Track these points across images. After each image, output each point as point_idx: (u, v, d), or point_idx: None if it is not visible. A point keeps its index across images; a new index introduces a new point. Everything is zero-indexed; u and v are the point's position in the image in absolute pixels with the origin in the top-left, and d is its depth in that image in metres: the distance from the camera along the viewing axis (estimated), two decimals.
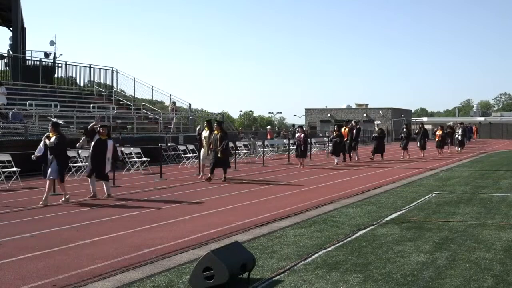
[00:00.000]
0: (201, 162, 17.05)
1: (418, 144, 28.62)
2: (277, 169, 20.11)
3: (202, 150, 16.62)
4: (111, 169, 13.24)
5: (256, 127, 64.88)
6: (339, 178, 16.94)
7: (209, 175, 15.50)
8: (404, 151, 26.64)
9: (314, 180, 16.32)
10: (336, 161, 22.38)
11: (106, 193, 12.58)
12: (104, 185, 12.69)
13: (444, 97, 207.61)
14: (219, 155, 15.40)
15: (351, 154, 24.54)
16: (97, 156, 12.49)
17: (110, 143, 12.80)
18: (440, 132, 29.94)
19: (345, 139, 23.57)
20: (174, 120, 29.74)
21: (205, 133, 16.43)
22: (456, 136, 33.05)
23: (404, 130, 28.12)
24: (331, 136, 24.17)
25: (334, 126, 25.28)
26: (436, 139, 30.13)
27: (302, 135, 20.99)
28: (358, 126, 26.39)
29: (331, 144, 24.20)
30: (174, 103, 31.69)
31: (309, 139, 24.08)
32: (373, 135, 27.45)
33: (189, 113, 33.35)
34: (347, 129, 24.26)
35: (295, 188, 14.32)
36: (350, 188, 14.15)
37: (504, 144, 43.51)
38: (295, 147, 21.71)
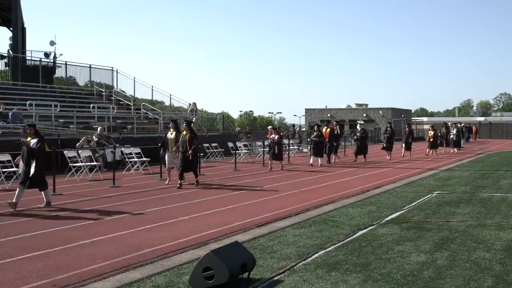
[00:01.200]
0: (167, 166, 15.36)
1: (403, 145, 27.66)
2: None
3: (167, 153, 15.15)
4: (37, 173, 10.71)
5: (252, 127, 64.84)
6: (339, 178, 16.94)
7: (179, 182, 14.29)
8: (387, 151, 25.56)
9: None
10: (320, 162, 21.37)
11: (44, 200, 10.95)
12: (42, 192, 11.02)
13: (444, 97, 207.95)
14: (187, 158, 14.20)
15: (332, 156, 23.40)
16: (24, 161, 10.81)
17: (32, 142, 10.78)
18: (432, 133, 29.25)
19: (326, 140, 22.42)
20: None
21: (171, 135, 15.08)
22: (451, 136, 32.28)
23: (388, 129, 26.77)
24: (311, 136, 22.95)
25: (314, 126, 23.79)
26: (428, 140, 29.60)
27: (276, 136, 19.78)
28: (356, 129, 25.62)
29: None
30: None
31: (284, 141, 22.96)
32: (355, 136, 26.27)
33: (189, 113, 33.33)
34: (328, 130, 23.11)
35: (291, 189, 14.31)
36: (350, 188, 14.15)
37: (504, 144, 43.48)
38: (268, 149, 20.39)
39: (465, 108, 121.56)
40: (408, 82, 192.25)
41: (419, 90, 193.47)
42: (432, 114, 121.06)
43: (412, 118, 70.41)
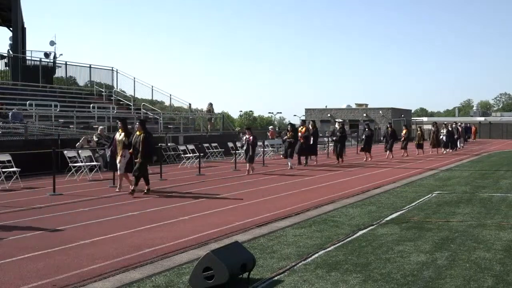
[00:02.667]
0: (119, 172, 13.54)
1: (385, 146, 27.08)
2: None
3: (117, 157, 13.43)
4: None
5: (252, 127, 64.86)
6: (339, 178, 16.94)
7: (132, 187, 12.77)
8: (366, 153, 24.75)
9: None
10: (289, 164, 20.28)
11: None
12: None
13: (444, 97, 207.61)
14: (137, 161, 12.76)
15: (310, 157, 22.41)
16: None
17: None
18: (404, 131, 28.66)
19: (301, 141, 21.30)
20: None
21: (119, 136, 13.40)
22: (441, 137, 31.46)
23: (366, 130, 25.69)
24: (284, 137, 21.45)
25: (288, 126, 22.34)
26: (416, 140, 29.12)
27: (251, 137, 18.42)
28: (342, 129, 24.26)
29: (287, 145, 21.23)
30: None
31: (259, 142, 21.57)
32: (334, 136, 24.91)
33: (189, 113, 33.35)
34: (304, 129, 21.86)
35: (291, 189, 14.30)
36: (350, 188, 14.15)
37: (504, 144, 43.49)
38: (244, 150, 18.90)
39: (465, 108, 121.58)
40: (408, 82, 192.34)
41: (419, 90, 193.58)
42: (432, 114, 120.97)
43: (412, 118, 70.43)
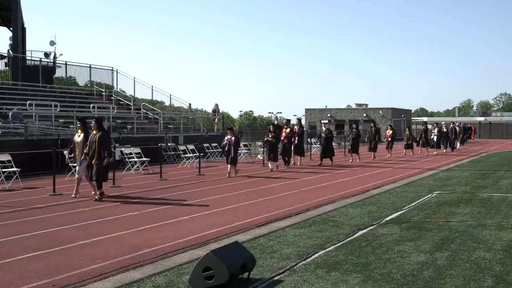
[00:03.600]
0: (76, 176, 12.68)
1: (368, 146, 26.40)
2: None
3: (77, 160, 12.55)
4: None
5: (252, 128, 64.85)
6: (339, 178, 16.94)
7: (98, 193, 12.11)
8: (353, 154, 23.99)
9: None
10: (270, 166, 19.39)
11: None
12: None
13: (444, 97, 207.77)
14: (94, 163, 11.91)
15: (294, 158, 21.63)
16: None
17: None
18: (390, 132, 28.15)
19: (285, 142, 20.37)
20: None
21: (78, 138, 12.39)
22: (432, 136, 31.02)
23: (354, 131, 24.66)
24: (265, 138, 20.37)
25: (270, 126, 21.08)
26: (386, 139, 28.47)
27: (233, 137, 17.48)
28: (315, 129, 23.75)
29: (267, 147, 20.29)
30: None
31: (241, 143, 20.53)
32: (320, 137, 23.91)
33: (189, 113, 33.37)
34: (288, 130, 20.78)
35: (291, 189, 14.30)
36: (350, 188, 14.15)
37: (504, 144, 43.50)
38: (226, 151, 17.73)
39: (465, 108, 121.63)
40: (408, 82, 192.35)
41: (419, 90, 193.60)
42: (432, 114, 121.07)
43: (412, 118, 70.45)
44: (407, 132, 29.03)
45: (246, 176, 17.34)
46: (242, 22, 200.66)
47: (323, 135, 23.10)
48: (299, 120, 23.54)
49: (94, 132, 12.08)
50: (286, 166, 20.42)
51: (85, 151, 12.07)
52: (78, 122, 12.87)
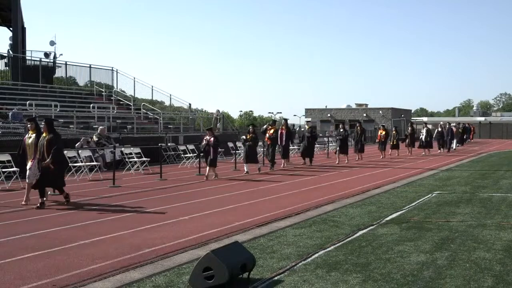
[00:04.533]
0: (27, 181, 11.32)
1: (354, 147, 25.72)
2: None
3: (28, 163, 11.39)
4: None
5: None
6: (339, 178, 16.94)
7: (40, 200, 11.01)
8: (342, 155, 23.16)
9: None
10: (245, 169, 18.19)
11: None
12: None
13: (444, 97, 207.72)
14: (46, 168, 10.90)
15: (284, 160, 20.83)
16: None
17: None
18: (383, 133, 27.26)
19: (268, 143, 19.75)
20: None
21: (29, 139, 11.35)
22: (421, 137, 30.17)
23: (341, 130, 23.70)
24: (242, 137, 19.42)
25: (249, 127, 19.86)
26: (379, 140, 27.56)
27: (212, 138, 16.60)
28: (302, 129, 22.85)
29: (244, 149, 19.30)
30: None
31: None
32: (303, 137, 22.88)
33: (189, 113, 33.37)
34: (273, 130, 20.08)
35: (291, 189, 14.31)
36: (350, 188, 14.14)
37: (504, 144, 43.50)
38: (205, 152, 16.83)
39: (465, 108, 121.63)
40: (408, 82, 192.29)
41: (419, 90, 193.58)
42: (432, 114, 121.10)
43: (412, 118, 70.47)
44: (394, 132, 28.29)
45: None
46: (242, 22, 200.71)
47: (306, 134, 22.29)
48: (286, 120, 22.43)
49: (44, 134, 11.18)
50: (270, 168, 19.49)
51: (37, 155, 11.13)
52: (28, 123, 11.93)
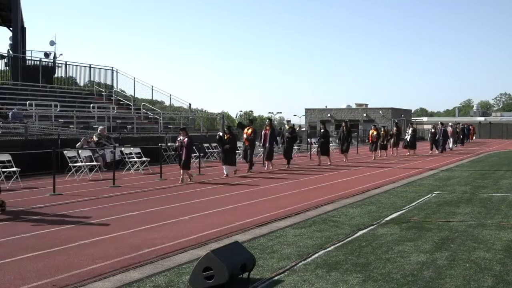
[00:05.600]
0: None
1: (340, 148, 24.89)
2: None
3: None
4: None
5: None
6: (339, 178, 16.94)
7: None
8: (323, 156, 22.10)
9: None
10: (225, 171, 17.31)
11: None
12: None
13: (444, 97, 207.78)
14: None
15: (265, 162, 19.89)
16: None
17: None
18: (375, 133, 26.35)
19: (246, 144, 18.79)
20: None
21: None
22: (406, 137, 29.38)
23: (322, 131, 22.79)
24: (217, 136, 18.46)
25: (224, 128, 18.63)
26: (370, 141, 26.90)
27: (186, 138, 15.69)
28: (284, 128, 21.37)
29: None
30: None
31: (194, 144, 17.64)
32: (282, 137, 21.86)
33: (189, 113, 33.37)
34: (251, 130, 19.01)
35: (291, 189, 14.30)
36: (350, 188, 14.14)
37: (504, 144, 43.49)
38: (178, 154, 16.23)
39: (465, 108, 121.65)
40: (408, 82, 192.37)
41: (419, 90, 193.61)
42: (432, 114, 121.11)
43: (412, 118, 70.47)
44: (382, 132, 27.34)
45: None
46: (242, 22, 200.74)
47: (286, 134, 21.06)
48: (270, 120, 21.08)
49: None
50: (248, 170, 18.59)
51: None
52: None
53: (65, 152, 16.72)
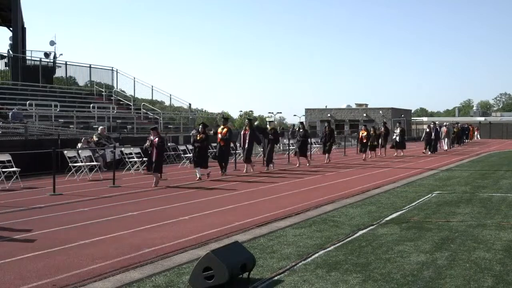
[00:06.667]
0: None
1: (323, 148, 24.09)
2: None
3: None
4: None
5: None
6: (338, 178, 16.94)
7: None
8: (300, 156, 21.16)
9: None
10: (198, 174, 16.12)
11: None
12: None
13: (444, 97, 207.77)
14: None
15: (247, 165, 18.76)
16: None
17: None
18: (365, 133, 25.57)
19: (221, 144, 17.52)
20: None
21: None
22: (394, 137, 28.62)
23: (300, 131, 21.71)
24: (192, 133, 17.38)
25: (199, 127, 17.13)
26: (360, 142, 26.17)
27: (157, 138, 14.63)
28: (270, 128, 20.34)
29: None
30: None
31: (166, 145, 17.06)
32: (264, 138, 20.68)
33: (189, 113, 33.37)
34: (225, 130, 17.71)
35: (291, 189, 14.30)
36: (350, 188, 14.14)
37: (504, 144, 43.48)
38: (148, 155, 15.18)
39: (465, 108, 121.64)
40: (408, 82, 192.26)
41: (419, 90, 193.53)
42: (432, 114, 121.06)
43: (412, 118, 70.47)
44: (372, 132, 26.61)
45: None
46: (242, 22, 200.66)
47: (270, 136, 19.94)
48: (250, 120, 19.99)
49: None
50: (222, 173, 17.45)
51: None
52: None
53: (65, 152, 16.72)
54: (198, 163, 16.23)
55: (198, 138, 16.30)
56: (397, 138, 28.36)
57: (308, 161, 21.62)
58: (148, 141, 14.98)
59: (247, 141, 18.61)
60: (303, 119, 64.41)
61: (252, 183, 15.68)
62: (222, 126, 18.07)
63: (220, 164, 17.65)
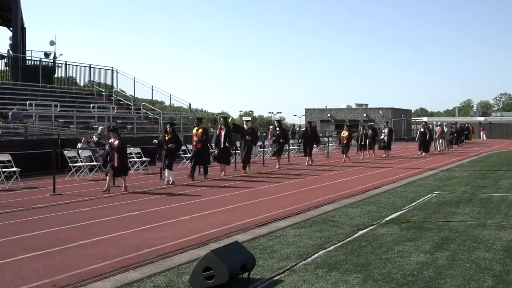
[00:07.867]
0: None
1: (304, 150, 22.42)
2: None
3: None
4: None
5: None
6: (338, 178, 16.93)
7: None
8: (277, 157, 20.77)
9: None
10: (170, 178, 15.22)
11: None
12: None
13: (444, 97, 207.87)
14: None
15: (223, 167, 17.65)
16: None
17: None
18: (346, 134, 24.79)
19: (197, 147, 16.46)
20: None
21: None
22: (382, 137, 27.66)
23: (277, 132, 20.79)
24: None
25: (167, 126, 15.96)
26: (341, 142, 25.28)
27: (117, 141, 13.49)
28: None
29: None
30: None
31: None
32: (241, 139, 19.44)
33: (189, 113, 33.37)
34: (201, 130, 16.45)
35: (291, 189, 14.30)
36: (350, 188, 14.14)
37: (504, 144, 43.46)
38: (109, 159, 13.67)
39: (465, 108, 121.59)
40: (408, 82, 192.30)
41: (419, 90, 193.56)
42: (432, 114, 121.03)
43: (412, 118, 70.45)
44: (361, 131, 26.10)
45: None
46: (242, 22, 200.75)
47: (248, 138, 18.91)
48: (225, 118, 18.95)
49: None
50: (204, 177, 16.59)
51: None
52: None
53: (65, 152, 16.72)
54: (168, 166, 15.26)
55: (167, 138, 15.32)
56: (385, 138, 27.32)
57: (278, 162, 20.71)
58: (107, 145, 13.95)
59: (221, 140, 17.50)
60: (303, 119, 64.48)
61: (252, 182, 15.67)
62: (196, 127, 16.79)
63: (193, 168, 16.46)
